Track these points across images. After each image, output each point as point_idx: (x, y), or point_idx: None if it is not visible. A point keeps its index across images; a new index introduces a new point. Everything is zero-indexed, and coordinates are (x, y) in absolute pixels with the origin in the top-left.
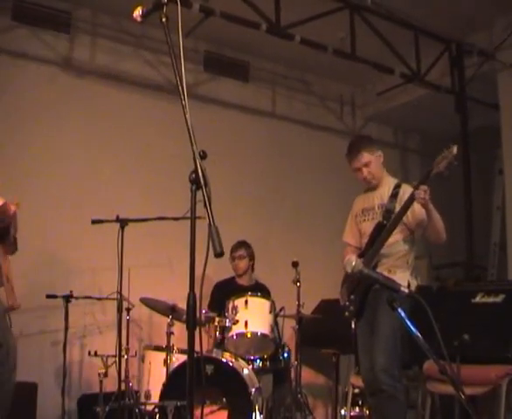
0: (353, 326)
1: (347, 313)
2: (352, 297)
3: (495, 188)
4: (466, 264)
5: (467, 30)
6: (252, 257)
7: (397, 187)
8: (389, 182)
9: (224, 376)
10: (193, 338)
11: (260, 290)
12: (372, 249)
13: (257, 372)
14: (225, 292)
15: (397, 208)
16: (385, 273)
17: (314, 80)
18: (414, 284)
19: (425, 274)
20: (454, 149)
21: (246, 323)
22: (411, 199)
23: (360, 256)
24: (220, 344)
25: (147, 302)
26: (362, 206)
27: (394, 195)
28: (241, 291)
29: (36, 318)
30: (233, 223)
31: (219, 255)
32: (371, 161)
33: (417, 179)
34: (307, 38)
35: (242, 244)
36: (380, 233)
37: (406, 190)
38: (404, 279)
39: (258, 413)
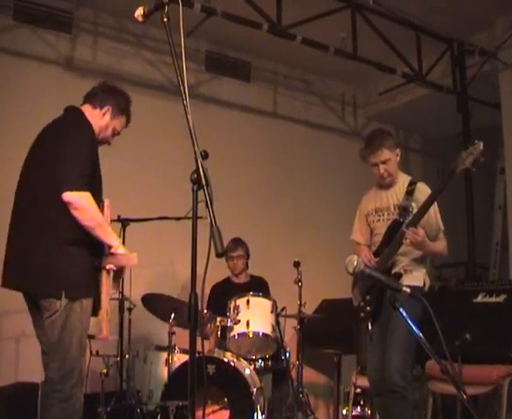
0: (369, 327)
1: (362, 314)
2: (368, 297)
3: (497, 188)
4: (467, 263)
5: (468, 29)
6: (248, 255)
7: (412, 184)
8: (403, 180)
9: (226, 376)
10: (195, 338)
11: (257, 284)
12: (389, 248)
13: (258, 372)
14: (223, 293)
15: (414, 205)
16: (402, 273)
17: (316, 80)
18: (428, 283)
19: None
20: (481, 145)
21: (248, 323)
22: (431, 201)
23: (375, 254)
24: (222, 344)
25: (148, 302)
26: (374, 205)
27: (410, 193)
28: (239, 289)
29: None
30: (235, 223)
31: (221, 255)
32: (390, 158)
33: (419, 178)
34: (309, 38)
35: (238, 243)
36: (396, 231)
37: (421, 188)
38: (419, 279)
39: (259, 413)
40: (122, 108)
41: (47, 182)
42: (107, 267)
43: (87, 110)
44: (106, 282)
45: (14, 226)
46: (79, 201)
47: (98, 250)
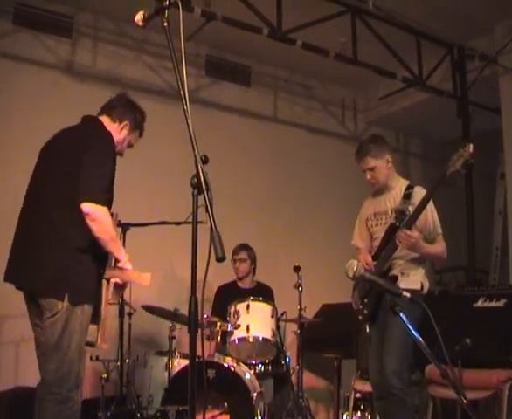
0: (367, 329)
1: (360, 317)
2: (366, 300)
3: (497, 193)
4: (467, 268)
5: (468, 34)
6: (253, 261)
7: (410, 188)
8: (400, 184)
9: (226, 381)
10: (195, 342)
11: (263, 291)
12: (385, 251)
13: (258, 376)
14: (228, 296)
15: (411, 209)
16: (398, 276)
17: (316, 85)
18: (427, 285)
19: (428, 278)
20: (470, 147)
21: (248, 327)
22: (424, 203)
23: (373, 258)
24: (222, 348)
25: (149, 309)
26: (373, 210)
27: (407, 196)
28: (243, 294)
29: None
30: (235, 228)
31: (221, 259)
32: (376, 166)
33: (419, 183)
34: (309, 43)
35: (243, 247)
36: (392, 235)
37: (419, 192)
38: (417, 282)
39: (259, 417)
40: (138, 124)
41: (66, 187)
42: (113, 280)
43: (106, 122)
44: (105, 292)
45: (23, 226)
46: (97, 213)
47: (102, 260)
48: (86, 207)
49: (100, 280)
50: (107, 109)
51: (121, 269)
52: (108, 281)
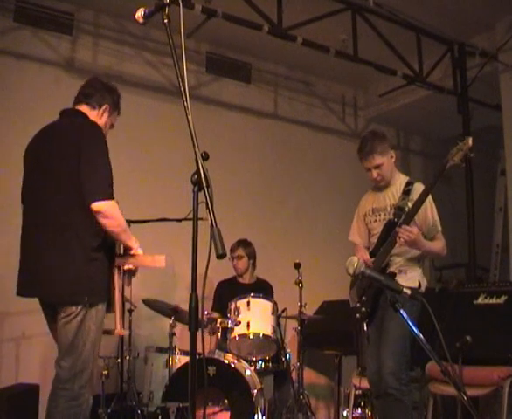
0: (365, 328)
1: (358, 315)
2: (364, 298)
3: (498, 190)
4: (468, 265)
5: (469, 31)
6: (251, 256)
7: (409, 184)
8: (400, 180)
9: (227, 377)
10: (195, 339)
11: (262, 287)
12: (383, 248)
13: (259, 373)
14: (228, 291)
15: (410, 205)
16: (396, 273)
17: (317, 82)
18: (425, 283)
19: (428, 275)
20: (470, 141)
21: (248, 324)
22: (423, 198)
23: (371, 255)
24: (222, 345)
25: (149, 303)
26: (371, 205)
27: (406, 193)
28: (243, 290)
29: (38, 319)
30: (235, 225)
31: (221, 256)
32: (383, 163)
33: (419, 180)
34: (310, 40)
35: (240, 244)
36: (390, 231)
37: (418, 188)
38: (414, 279)
39: (260, 414)
40: (117, 104)
41: (70, 191)
42: (126, 267)
43: (87, 111)
44: (117, 280)
45: (31, 235)
46: (109, 210)
47: (111, 251)
48: (98, 206)
49: (111, 271)
50: (85, 98)
51: (133, 255)
52: (119, 268)
